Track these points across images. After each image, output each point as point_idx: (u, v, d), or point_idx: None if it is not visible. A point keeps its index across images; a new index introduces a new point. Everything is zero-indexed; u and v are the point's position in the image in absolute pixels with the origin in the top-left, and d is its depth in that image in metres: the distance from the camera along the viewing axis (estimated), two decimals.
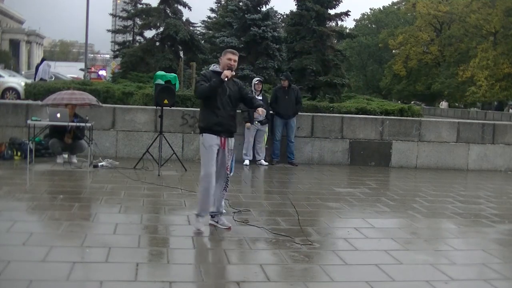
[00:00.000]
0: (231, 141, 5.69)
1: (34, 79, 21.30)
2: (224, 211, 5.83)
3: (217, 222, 5.68)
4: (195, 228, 5.53)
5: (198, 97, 5.78)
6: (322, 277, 4.45)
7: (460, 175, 10.95)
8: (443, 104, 54.71)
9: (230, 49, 5.76)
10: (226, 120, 5.53)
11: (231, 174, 5.85)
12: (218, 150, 5.56)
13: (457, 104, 56.45)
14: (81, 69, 36.11)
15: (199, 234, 5.44)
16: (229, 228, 5.60)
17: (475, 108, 52.43)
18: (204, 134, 5.55)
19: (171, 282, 4.10)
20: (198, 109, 10.97)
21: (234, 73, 5.58)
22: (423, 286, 4.33)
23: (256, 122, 10.37)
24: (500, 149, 11.72)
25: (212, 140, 5.51)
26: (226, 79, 5.41)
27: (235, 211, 6.36)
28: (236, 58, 5.62)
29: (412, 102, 47.71)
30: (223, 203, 5.77)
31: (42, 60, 28.15)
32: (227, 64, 5.54)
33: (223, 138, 5.56)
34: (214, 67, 5.74)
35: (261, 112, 5.55)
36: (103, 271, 4.26)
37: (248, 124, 10.31)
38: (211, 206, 5.63)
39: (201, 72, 5.87)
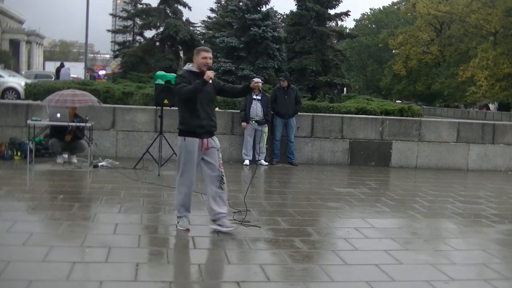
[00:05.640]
0: (215, 139, 5.57)
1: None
2: (224, 213, 5.52)
3: (221, 226, 5.45)
4: (183, 228, 5.45)
5: (180, 99, 5.48)
6: (322, 277, 4.45)
7: (460, 175, 10.95)
8: (491, 107, 49.21)
9: (202, 47, 5.65)
10: (207, 122, 5.43)
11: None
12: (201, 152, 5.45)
13: (456, 104, 56.38)
14: (91, 69, 36.33)
15: (188, 231, 5.41)
16: (232, 229, 5.46)
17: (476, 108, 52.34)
18: (186, 138, 5.40)
19: (171, 282, 4.10)
20: None
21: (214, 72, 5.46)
22: (423, 286, 4.33)
23: (253, 121, 10.36)
24: (500, 149, 11.71)
25: (194, 145, 5.39)
26: (210, 80, 5.28)
27: (235, 211, 6.35)
28: (211, 55, 5.44)
29: (398, 101, 46.60)
30: (224, 202, 5.52)
31: (62, 64, 28.74)
32: (203, 63, 5.35)
33: (205, 140, 5.44)
34: (189, 66, 5.53)
35: (256, 81, 5.41)
36: (103, 271, 4.26)
37: (244, 124, 10.32)
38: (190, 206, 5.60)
39: (179, 73, 5.62)
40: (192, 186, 5.54)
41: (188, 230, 5.45)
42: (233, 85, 5.80)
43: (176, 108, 10.30)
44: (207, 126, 5.44)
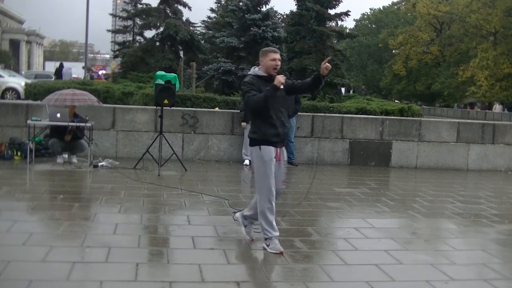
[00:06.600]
0: (284, 151, 5.18)
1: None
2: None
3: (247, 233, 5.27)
4: (276, 251, 4.87)
5: (251, 110, 5.05)
6: (322, 277, 4.45)
7: (460, 175, 10.95)
8: (497, 107, 46.31)
9: (270, 48, 5.15)
10: (281, 129, 4.98)
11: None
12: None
13: (456, 104, 56.39)
14: (89, 69, 36.43)
15: (281, 254, 4.86)
16: (252, 241, 5.19)
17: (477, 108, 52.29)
18: (262, 146, 4.93)
19: (171, 282, 4.10)
20: (198, 109, 11.06)
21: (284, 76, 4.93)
22: (423, 286, 4.33)
23: None
24: (500, 149, 11.71)
25: (271, 153, 4.94)
26: (281, 86, 4.80)
27: (235, 211, 6.34)
28: (279, 56, 4.99)
29: (396, 101, 46.37)
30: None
31: (61, 64, 28.82)
32: (272, 66, 4.90)
33: (278, 149, 5.02)
34: (255, 70, 5.04)
35: (325, 67, 4.90)
36: (103, 271, 4.26)
37: (243, 124, 10.31)
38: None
39: (245, 80, 4.99)
40: (274, 200, 4.97)
41: (281, 253, 4.86)
42: (303, 81, 5.18)
43: (176, 108, 10.43)
44: (282, 135, 5.01)
